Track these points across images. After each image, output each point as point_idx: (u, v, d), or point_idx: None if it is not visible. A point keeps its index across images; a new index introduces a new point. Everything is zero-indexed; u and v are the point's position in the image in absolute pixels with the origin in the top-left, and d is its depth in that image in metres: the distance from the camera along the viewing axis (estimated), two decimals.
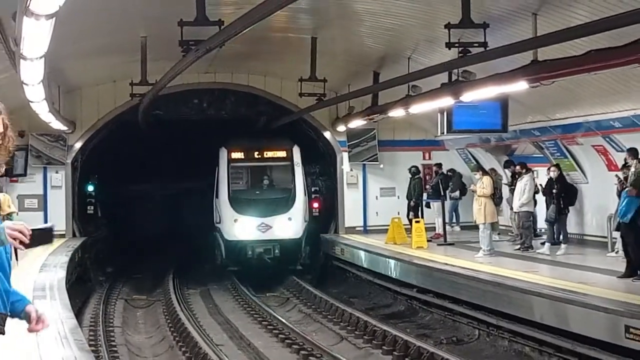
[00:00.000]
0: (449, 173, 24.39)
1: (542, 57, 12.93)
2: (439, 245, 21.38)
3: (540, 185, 19.40)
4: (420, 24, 15.79)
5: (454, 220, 24.88)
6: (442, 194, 22.66)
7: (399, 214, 23.78)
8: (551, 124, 19.10)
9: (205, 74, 24.33)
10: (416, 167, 24.03)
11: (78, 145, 25.03)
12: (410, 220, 22.51)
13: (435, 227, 23.11)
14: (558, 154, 19.83)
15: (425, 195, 23.50)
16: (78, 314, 16.70)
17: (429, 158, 25.94)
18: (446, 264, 17.47)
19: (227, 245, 24.51)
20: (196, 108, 26.55)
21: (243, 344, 16.69)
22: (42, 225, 4.09)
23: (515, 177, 19.97)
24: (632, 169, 14.41)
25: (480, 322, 15.92)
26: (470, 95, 15.72)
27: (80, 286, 21.56)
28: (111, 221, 31.44)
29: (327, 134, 26.19)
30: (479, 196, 18.84)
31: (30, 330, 4.30)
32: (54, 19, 7.90)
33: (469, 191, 21.98)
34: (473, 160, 24.64)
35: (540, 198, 19.66)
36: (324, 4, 15.58)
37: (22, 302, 4.29)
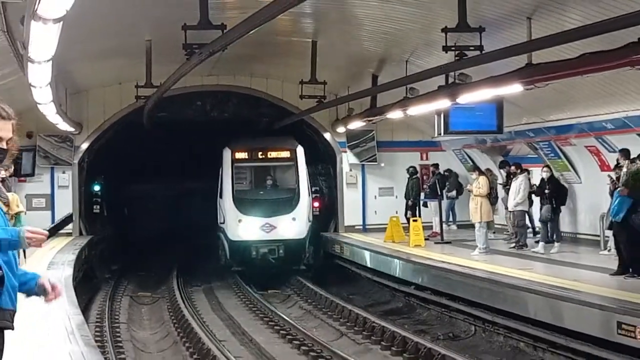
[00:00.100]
0: (445, 173, 24.38)
1: (537, 60, 12.93)
2: (436, 243, 21.37)
3: (535, 185, 19.40)
4: (417, 28, 15.79)
5: (451, 219, 24.89)
6: (439, 193, 22.66)
7: (397, 213, 23.78)
8: (545, 126, 19.10)
9: (208, 76, 24.34)
10: (414, 167, 24.05)
11: (84, 146, 25.04)
12: (408, 219, 22.53)
13: (432, 226, 23.10)
14: (552, 155, 19.83)
15: (422, 195, 23.51)
16: (84, 310, 16.69)
17: (427, 158, 25.95)
18: (443, 261, 17.48)
19: (231, 246, 24.03)
20: (199, 110, 26.55)
21: (245, 340, 16.68)
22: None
23: (510, 177, 19.97)
24: (624, 169, 14.40)
25: (476, 319, 15.92)
26: (467, 98, 15.73)
27: (86, 283, 21.55)
28: (117, 220, 31.45)
29: (327, 135, 26.19)
30: (475, 196, 18.84)
31: (47, 301, 4.33)
32: (61, 22, 7.91)
33: (466, 191, 21.98)
34: (469, 161, 24.64)
35: (536, 197, 19.65)
36: (324, 8, 15.57)
37: (33, 280, 4.32)
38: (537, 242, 18.72)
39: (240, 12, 13.15)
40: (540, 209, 18.61)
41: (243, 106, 26.56)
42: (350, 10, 15.72)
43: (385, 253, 20.34)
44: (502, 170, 21.61)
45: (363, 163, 26.00)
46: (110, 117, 24.99)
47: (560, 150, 19.45)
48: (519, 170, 19.17)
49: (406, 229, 22.00)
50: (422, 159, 26.00)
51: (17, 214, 14.66)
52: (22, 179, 23.99)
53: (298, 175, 24.71)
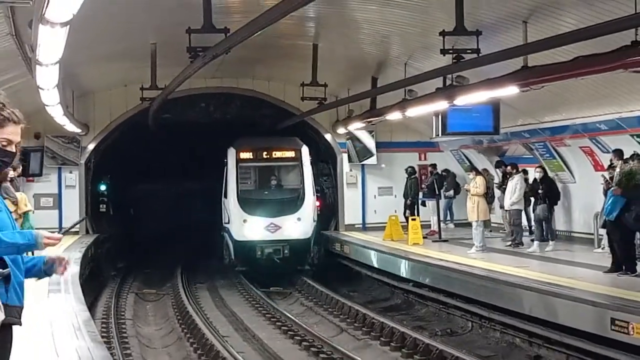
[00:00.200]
0: (443, 173, 24.38)
1: (532, 63, 12.93)
2: (434, 241, 21.35)
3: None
4: (416, 31, 15.78)
5: (448, 218, 24.88)
6: (437, 193, 22.66)
7: (396, 212, 23.76)
8: (540, 127, 19.09)
9: (211, 79, 24.32)
10: (412, 167, 24.06)
11: (91, 146, 25.05)
12: (406, 218, 22.53)
13: (430, 225, 23.09)
14: (547, 155, 19.83)
15: (421, 194, 23.52)
16: (91, 307, 16.69)
17: (425, 159, 25.93)
18: (441, 259, 17.47)
19: (236, 246, 23.55)
20: (203, 111, 26.55)
21: (248, 336, 16.69)
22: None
23: (505, 177, 19.96)
24: (617, 169, 14.39)
25: (473, 315, 15.92)
26: (464, 99, 15.72)
27: (93, 281, 21.55)
28: (122, 219, 31.45)
29: (328, 136, 26.18)
30: (472, 195, 18.83)
31: (60, 273, 4.33)
32: (68, 26, 7.91)
33: (463, 190, 21.97)
34: (466, 161, 24.63)
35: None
36: (325, 12, 15.57)
37: (40, 261, 4.32)
38: (533, 240, 18.71)
39: (243, 16, 13.14)
40: (534, 209, 18.60)
41: (246, 108, 26.54)
42: (350, 14, 15.71)
43: (384, 251, 20.33)
44: (497, 170, 21.61)
45: (362, 163, 25.97)
46: (116, 118, 24.99)
47: (555, 150, 19.44)
48: (514, 170, 19.17)
49: (405, 228, 22.01)
50: (420, 159, 25.99)
51: (25, 212, 14.66)
52: (31, 178, 24.00)
53: (303, 175, 24.17)
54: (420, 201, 23.49)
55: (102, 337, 13.08)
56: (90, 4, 7.32)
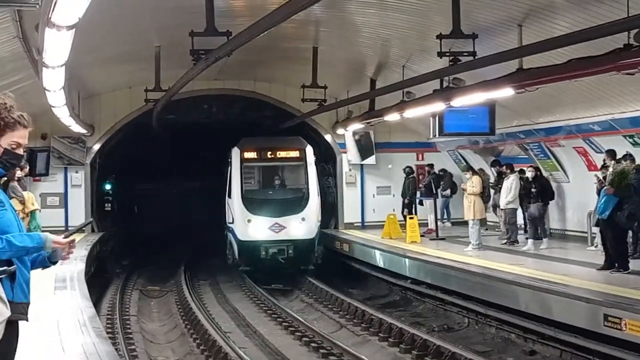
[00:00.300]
0: (440, 173, 24.37)
1: (527, 66, 12.94)
2: (431, 240, 21.33)
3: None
4: (413, 34, 15.78)
5: (445, 217, 24.86)
6: (434, 192, 22.62)
7: (394, 210, 23.76)
8: (535, 127, 19.10)
9: (214, 80, 24.30)
10: (410, 167, 24.06)
11: (96, 147, 25.04)
12: (404, 217, 22.54)
13: (427, 223, 23.10)
14: (542, 155, 19.82)
15: (418, 194, 23.48)
16: (96, 303, 16.68)
17: (422, 159, 25.92)
18: (438, 257, 17.47)
19: (240, 246, 23.03)
20: (206, 112, 26.56)
21: (249, 331, 16.68)
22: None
23: (501, 176, 19.95)
24: (610, 169, 14.39)
25: (470, 311, 15.91)
26: (460, 101, 15.74)
27: (98, 278, 21.54)
28: (127, 218, 31.44)
29: (328, 137, 26.16)
30: (468, 194, 18.82)
31: (67, 255, 4.32)
32: (74, 29, 7.91)
33: (460, 189, 21.96)
34: (463, 161, 24.62)
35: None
36: (325, 16, 15.56)
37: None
38: (527, 239, 18.70)
39: (244, 20, 13.14)
40: (527, 208, 18.57)
41: (247, 109, 26.54)
42: (349, 17, 15.71)
43: (383, 249, 20.32)
44: (493, 169, 21.60)
45: (361, 163, 25.96)
46: (121, 119, 24.97)
47: (550, 151, 19.44)
48: (509, 170, 19.16)
49: (403, 226, 22.01)
50: (418, 159, 25.97)
51: (32, 211, 14.66)
52: (37, 178, 23.93)
53: (307, 175, 23.67)
54: (417, 200, 23.48)
55: (107, 332, 13.07)
56: (95, 8, 7.32)
